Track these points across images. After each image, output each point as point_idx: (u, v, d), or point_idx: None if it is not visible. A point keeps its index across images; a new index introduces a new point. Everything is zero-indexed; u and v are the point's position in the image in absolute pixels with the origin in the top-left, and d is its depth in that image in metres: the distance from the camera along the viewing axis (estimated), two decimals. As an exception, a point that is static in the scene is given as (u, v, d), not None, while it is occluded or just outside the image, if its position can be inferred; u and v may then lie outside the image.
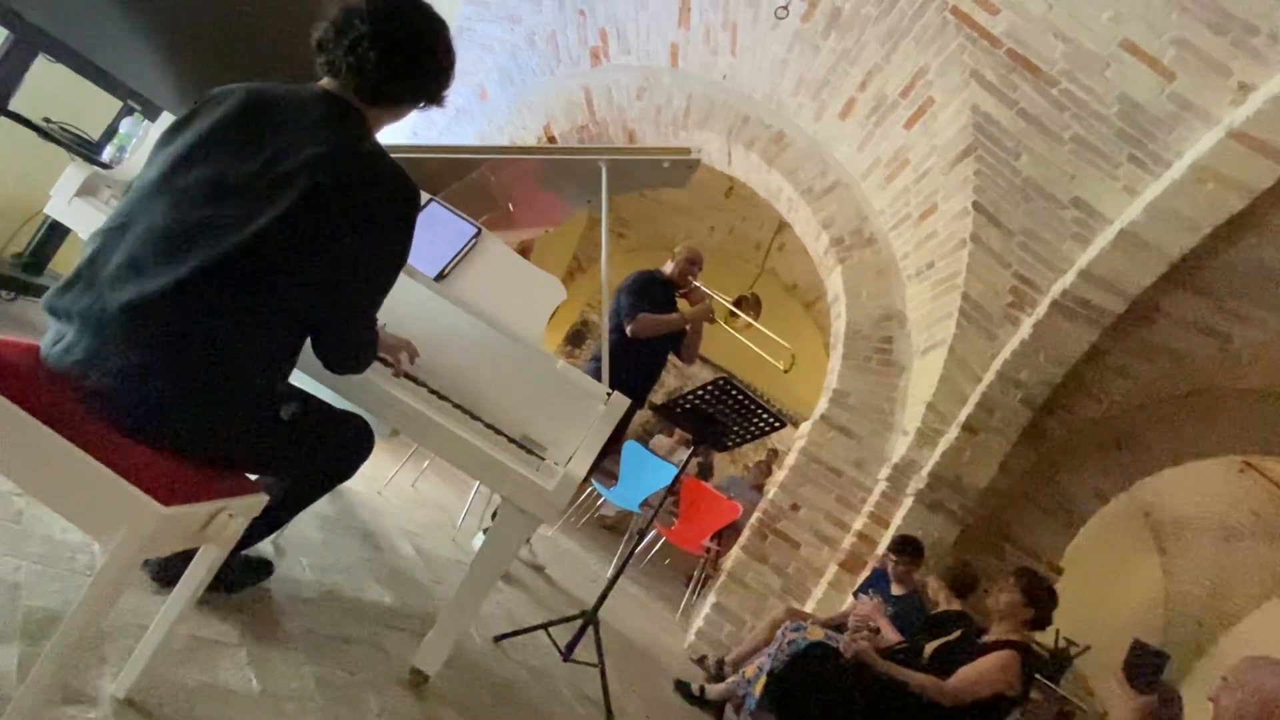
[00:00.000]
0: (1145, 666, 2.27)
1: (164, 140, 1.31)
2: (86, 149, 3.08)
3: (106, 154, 3.14)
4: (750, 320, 3.71)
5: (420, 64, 1.43)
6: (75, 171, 2.23)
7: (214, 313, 1.23)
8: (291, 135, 1.29)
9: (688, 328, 3.78)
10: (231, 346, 1.26)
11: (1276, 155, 3.09)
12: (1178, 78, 3.17)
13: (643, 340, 3.58)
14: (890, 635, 3.21)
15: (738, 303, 3.87)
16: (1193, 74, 3.14)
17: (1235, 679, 1.99)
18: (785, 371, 3.92)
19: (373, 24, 1.34)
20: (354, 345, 1.50)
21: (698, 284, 3.81)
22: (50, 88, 3.07)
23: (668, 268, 3.79)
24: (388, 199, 1.37)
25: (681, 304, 3.80)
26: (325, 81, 1.40)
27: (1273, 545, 6.81)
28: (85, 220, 2.18)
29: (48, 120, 3.01)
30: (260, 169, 1.26)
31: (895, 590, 3.56)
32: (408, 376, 1.90)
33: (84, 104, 3.23)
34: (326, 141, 1.30)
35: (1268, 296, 3.69)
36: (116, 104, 3.32)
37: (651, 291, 3.66)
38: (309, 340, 1.43)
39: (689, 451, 3.19)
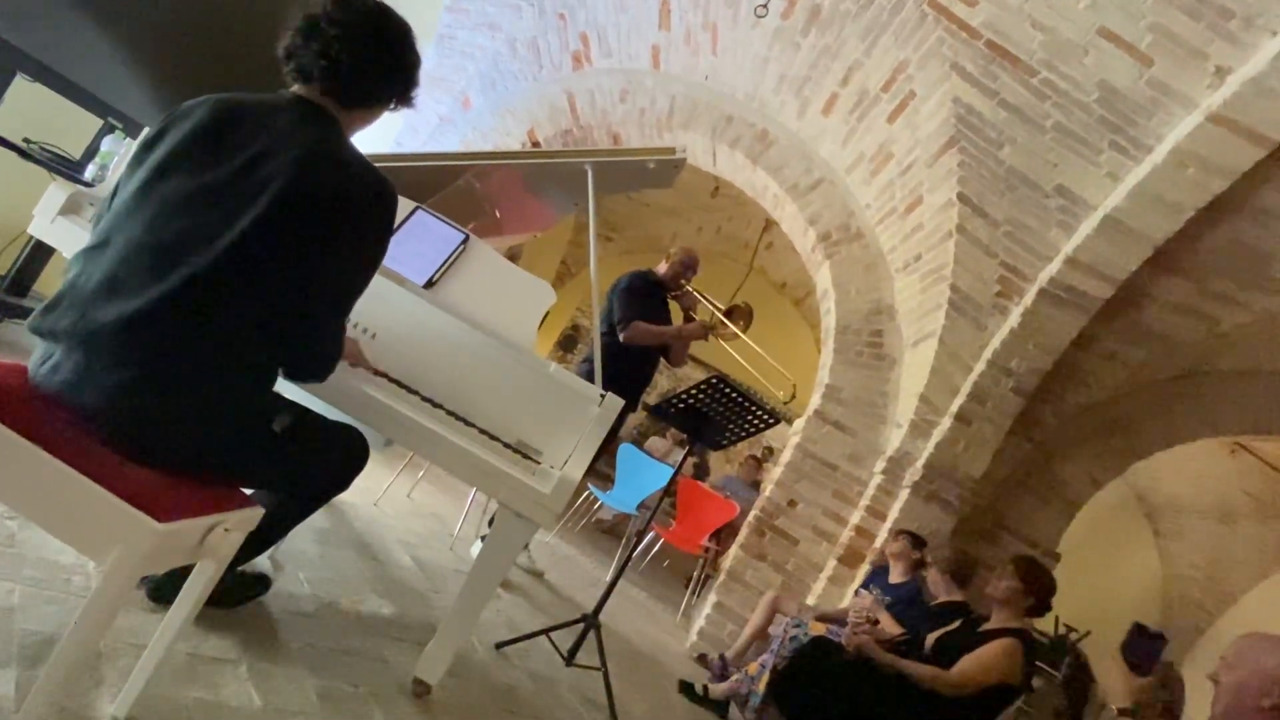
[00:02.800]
0: (1143, 649, 2.27)
1: (138, 156, 1.31)
2: (68, 168, 3.06)
3: (89, 173, 3.11)
4: (738, 332, 3.69)
5: (392, 63, 1.44)
6: (57, 191, 2.21)
7: (199, 325, 1.22)
8: (265, 141, 1.28)
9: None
10: (219, 358, 1.26)
11: (1255, 138, 3.12)
12: (1155, 63, 3.20)
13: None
14: (891, 628, 3.21)
15: (729, 313, 3.85)
16: (1170, 59, 3.17)
17: (1234, 657, 2.00)
18: (786, 403, 3.88)
19: (342, 26, 1.35)
20: (319, 350, 1.44)
21: (690, 289, 3.79)
22: (29, 108, 3.05)
23: (661, 268, 3.75)
24: (364, 200, 1.36)
25: (673, 305, 3.78)
26: (296, 88, 1.40)
27: (1267, 524, 6.86)
28: (69, 239, 2.16)
29: (28, 140, 2.98)
30: (236, 176, 1.25)
31: (894, 578, 3.57)
32: (399, 384, 1.89)
33: (64, 123, 3.21)
34: (301, 145, 1.29)
35: (1252, 278, 3.72)
36: (97, 122, 3.30)
37: (645, 294, 3.62)
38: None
39: (684, 452, 3.18)
